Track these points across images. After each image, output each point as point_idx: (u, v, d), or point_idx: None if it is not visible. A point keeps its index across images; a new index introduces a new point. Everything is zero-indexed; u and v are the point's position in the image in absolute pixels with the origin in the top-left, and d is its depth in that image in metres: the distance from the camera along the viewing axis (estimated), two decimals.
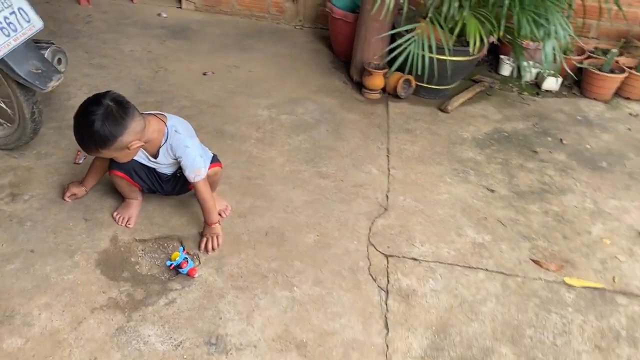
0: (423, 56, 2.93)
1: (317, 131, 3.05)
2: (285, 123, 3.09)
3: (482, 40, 2.88)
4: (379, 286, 2.14)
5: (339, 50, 3.85)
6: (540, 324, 2.06)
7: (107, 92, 1.94)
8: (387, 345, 1.91)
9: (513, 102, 3.63)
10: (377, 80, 3.38)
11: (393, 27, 3.40)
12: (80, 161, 2.58)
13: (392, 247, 2.33)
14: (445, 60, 3.16)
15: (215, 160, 2.28)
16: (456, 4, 2.77)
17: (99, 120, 1.85)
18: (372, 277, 2.18)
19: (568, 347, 1.98)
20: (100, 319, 1.88)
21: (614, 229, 2.59)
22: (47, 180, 2.47)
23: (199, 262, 2.15)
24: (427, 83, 3.40)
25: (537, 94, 3.75)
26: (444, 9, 2.75)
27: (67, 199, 2.32)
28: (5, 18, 2.06)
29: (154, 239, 2.24)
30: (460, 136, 3.17)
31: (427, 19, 2.92)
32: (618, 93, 3.79)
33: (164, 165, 2.18)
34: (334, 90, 3.49)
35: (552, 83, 3.76)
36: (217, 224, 2.21)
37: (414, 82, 3.43)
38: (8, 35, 2.07)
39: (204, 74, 3.49)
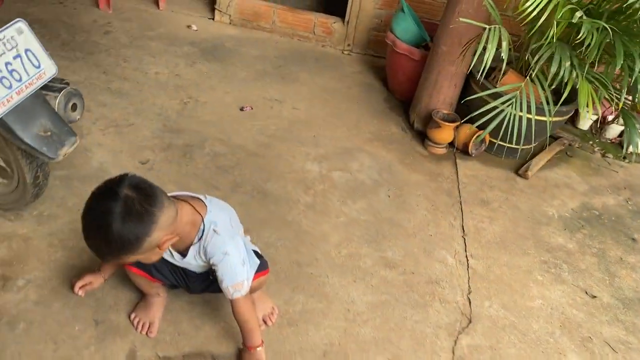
0: (520, 118, 2.39)
1: (377, 197, 2.53)
2: (338, 183, 2.57)
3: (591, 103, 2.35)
4: None
5: (395, 87, 3.32)
6: None
7: (123, 177, 1.40)
8: None
9: (598, 167, 3.11)
10: (445, 134, 2.85)
11: (469, 74, 2.87)
12: None
13: None
14: (536, 120, 2.64)
15: (262, 267, 1.75)
16: (567, 63, 2.23)
17: (117, 220, 1.32)
18: None
19: None
20: None
21: None
22: (49, 257, 1.95)
23: None
24: (503, 141, 2.87)
25: (624, 157, 3.22)
26: (553, 69, 2.21)
27: (79, 292, 1.75)
28: (7, 64, 1.52)
29: (182, 357, 1.73)
30: (544, 213, 2.65)
31: (527, 78, 2.38)
32: None
33: (193, 265, 1.66)
34: (391, 140, 2.97)
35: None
36: (259, 348, 1.68)
37: (487, 139, 2.90)
38: (9, 87, 1.53)
39: (242, 109, 2.96)
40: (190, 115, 2.83)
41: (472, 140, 2.84)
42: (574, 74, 2.26)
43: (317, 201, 2.44)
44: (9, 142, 1.67)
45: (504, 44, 2.27)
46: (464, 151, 2.92)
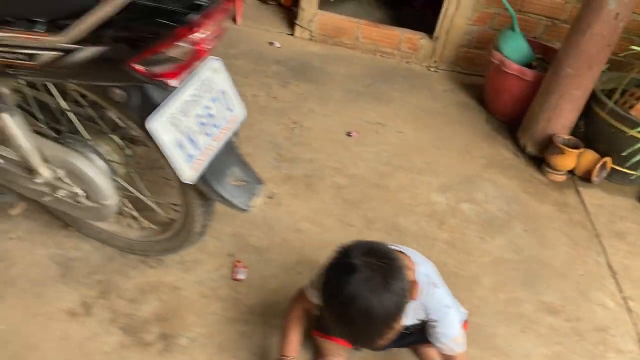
0: None
1: (513, 231, 2.38)
2: (470, 216, 2.41)
3: None
4: None
5: (498, 108, 3.17)
6: None
7: (348, 249, 1.28)
8: None
9: None
10: (568, 161, 2.70)
11: (593, 95, 2.72)
12: (243, 277, 1.90)
13: None
14: None
15: (463, 318, 1.61)
16: None
17: (373, 296, 1.18)
18: None
19: None
20: None
21: None
22: (204, 309, 1.78)
23: None
24: (629, 168, 2.72)
25: None
26: None
27: None
28: (206, 107, 1.36)
29: None
30: None
31: None
32: None
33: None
34: (506, 165, 2.81)
35: None
36: None
37: (609, 166, 2.76)
38: (209, 135, 1.36)
39: (348, 134, 2.79)
40: (299, 142, 2.66)
41: (595, 167, 2.69)
42: None
43: (455, 238, 2.28)
44: (184, 189, 1.50)
45: None
46: (584, 178, 2.77)
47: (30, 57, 1.12)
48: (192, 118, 1.31)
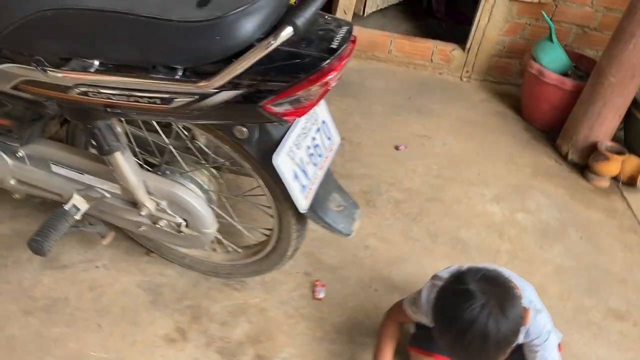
0: None
1: (569, 239, 2.44)
2: (526, 226, 2.47)
3: None
4: None
5: (536, 117, 3.23)
6: None
7: (462, 274, 1.33)
8: None
9: None
10: (613, 167, 2.77)
11: (634, 101, 2.79)
12: (322, 295, 1.95)
13: None
14: None
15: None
16: None
17: (491, 322, 1.23)
18: None
19: None
20: None
21: None
22: (292, 330, 1.84)
23: None
24: None
25: None
26: None
27: None
28: (313, 139, 1.42)
29: None
30: None
31: None
32: None
33: None
34: (550, 173, 2.88)
35: None
36: None
37: None
38: (316, 164, 1.42)
39: (397, 148, 2.85)
40: (352, 158, 2.72)
41: None
42: None
43: (516, 249, 2.35)
44: (282, 215, 1.56)
45: None
46: (628, 183, 2.84)
47: (166, 100, 1.17)
48: (303, 150, 1.37)
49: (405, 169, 2.71)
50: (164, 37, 1.09)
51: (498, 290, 1.28)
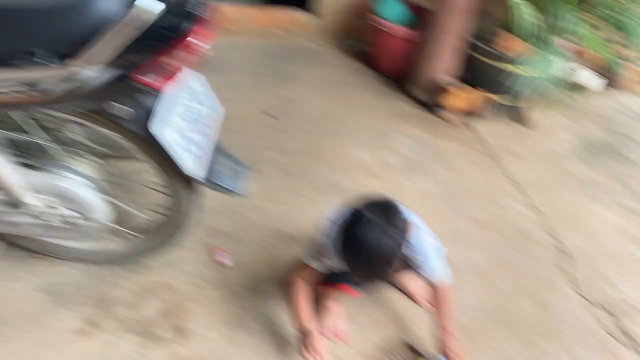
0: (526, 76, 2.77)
1: (432, 169, 2.76)
2: (394, 164, 2.75)
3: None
4: (628, 349, 1.98)
5: (388, 67, 3.53)
6: None
7: (359, 203, 1.51)
8: None
9: (572, 106, 3.61)
10: (456, 100, 3.15)
11: (469, 42, 3.17)
12: (228, 262, 2.05)
13: (603, 297, 2.18)
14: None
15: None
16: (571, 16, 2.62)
17: (381, 234, 1.42)
18: (614, 338, 2.01)
19: None
20: None
21: None
22: (203, 297, 1.92)
23: None
24: (500, 98, 3.23)
25: (582, 93, 3.77)
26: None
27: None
28: (196, 111, 1.49)
29: (375, 347, 1.85)
30: (558, 153, 3.08)
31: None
32: None
33: None
34: (407, 115, 3.20)
35: (593, 81, 3.81)
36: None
37: (493, 99, 3.25)
38: (203, 134, 1.50)
39: (269, 114, 2.98)
40: (228, 130, 2.75)
41: (482, 103, 3.16)
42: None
43: (389, 184, 2.61)
44: (175, 187, 1.63)
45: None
46: (473, 113, 3.24)
47: (43, 91, 1.18)
48: (187, 121, 1.44)
49: (279, 132, 2.85)
50: (25, 23, 1.10)
51: (384, 209, 1.48)
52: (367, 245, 1.42)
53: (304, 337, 1.66)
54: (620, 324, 2.07)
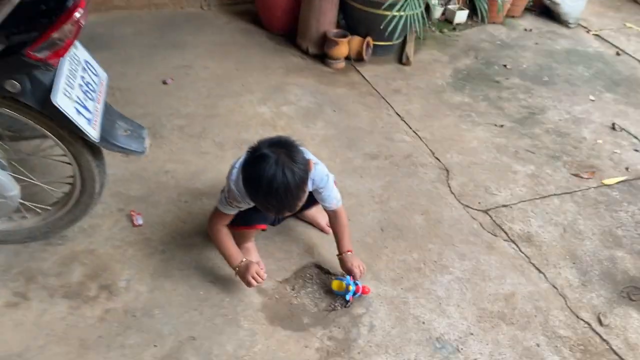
0: (401, 17, 3.04)
1: (326, 114, 3.00)
2: (291, 115, 2.96)
3: None
4: (505, 240, 2.35)
5: (274, 25, 3.68)
6: (619, 222, 2.51)
7: (255, 147, 1.66)
8: (554, 286, 2.17)
9: (445, 41, 3.96)
10: (342, 49, 3.38)
11: None
12: (141, 222, 2.19)
13: (481, 201, 2.54)
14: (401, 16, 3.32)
15: None
16: None
17: (286, 170, 1.58)
18: (492, 234, 2.37)
19: None
20: None
21: (595, 129, 3.16)
22: (124, 257, 2.06)
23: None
24: (383, 42, 3.51)
25: (454, 29, 4.13)
26: None
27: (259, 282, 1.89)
28: (82, 77, 1.60)
29: (294, 275, 2.09)
30: (436, 84, 3.41)
31: None
32: (506, 14, 4.35)
33: None
34: (299, 69, 3.39)
35: (461, 17, 4.17)
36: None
37: (372, 43, 3.50)
38: (93, 99, 1.61)
39: (164, 82, 3.07)
40: (127, 103, 2.86)
41: (363, 48, 3.41)
42: None
43: (289, 133, 2.80)
44: (78, 155, 1.73)
45: None
46: (358, 59, 3.49)
47: None
48: (77, 88, 1.55)
49: (178, 98, 2.96)
50: None
51: (285, 148, 1.64)
52: (273, 180, 1.56)
53: (244, 269, 1.86)
54: (496, 222, 2.43)
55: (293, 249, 2.18)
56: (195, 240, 2.15)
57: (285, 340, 1.84)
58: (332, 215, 2.03)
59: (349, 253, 2.05)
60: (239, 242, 2.05)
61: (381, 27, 3.29)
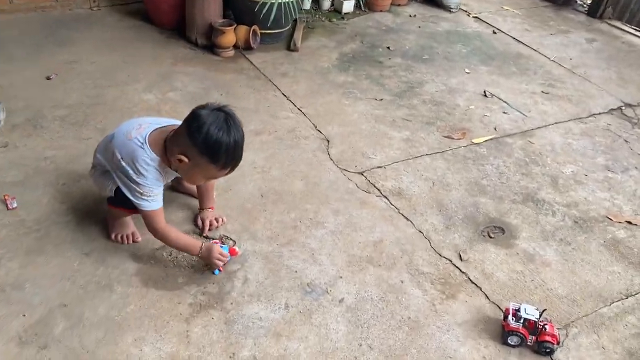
0: (285, 5, 3.19)
1: (212, 98, 3.08)
2: (178, 100, 3.03)
3: None
4: (377, 195, 2.51)
5: (163, 20, 3.74)
6: (484, 174, 2.74)
7: (204, 110, 1.81)
8: (419, 230, 2.34)
9: (333, 29, 4.14)
10: (229, 37, 3.49)
11: None
12: (16, 205, 2.19)
13: (358, 165, 2.70)
14: (291, 5, 3.46)
15: None
16: None
17: (233, 124, 1.80)
18: (366, 192, 2.53)
19: (509, 180, 2.71)
20: (201, 324, 1.84)
21: (468, 97, 3.42)
22: None
23: (234, 242, 2.18)
24: (269, 29, 3.65)
25: (343, 17, 4.33)
26: None
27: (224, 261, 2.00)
28: None
29: None
30: (322, 67, 3.57)
31: None
32: (392, 3, 4.61)
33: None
34: (189, 59, 3.47)
35: (349, 6, 4.38)
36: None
37: (258, 31, 3.63)
38: None
39: (48, 78, 3.06)
40: (7, 98, 2.84)
41: (250, 37, 3.53)
42: None
43: (174, 116, 2.85)
44: None
45: None
46: (247, 48, 3.61)
47: None
48: None
49: (62, 91, 2.97)
50: None
51: (220, 110, 1.80)
52: (238, 137, 1.80)
53: (206, 253, 1.95)
54: (370, 181, 2.59)
55: (172, 219, 2.25)
56: (71, 218, 2.18)
57: (158, 299, 1.90)
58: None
59: (212, 210, 2.22)
60: (116, 217, 2.10)
61: (265, 16, 3.42)
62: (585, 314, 2.04)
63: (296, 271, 2.08)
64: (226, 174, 1.90)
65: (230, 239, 2.19)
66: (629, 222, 2.54)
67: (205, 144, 1.76)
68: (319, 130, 2.92)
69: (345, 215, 2.37)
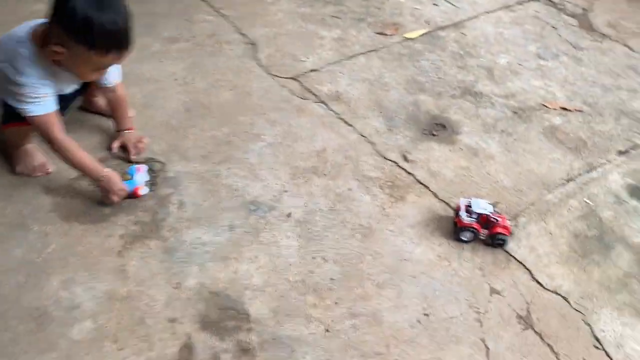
0: None
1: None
2: None
3: None
4: (314, 102, 2.34)
5: None
6: (421, 70, 2.62)
7: None
8: (362, 135, 2.22)
9: None
10: None
11: None
12: None
13: (290, 70, 2.49)
14: None
15: None
16: None
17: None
18: (302, 98, 2.35)
19: (446, 75, 2.61)
20: (138, 256, 1.66)
21: None
22: None
23: (161, 166, 1.96)
24: None
25: None
26: None
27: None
28: None
29: None
30: None
31: None
32: None
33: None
34: None
35: None
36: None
37: None
38: None
39: None
40: None
41: None
42: None
43: None
44: None
45: None
46: None
47: None
48: None
49: None
50: None
51: None
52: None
53: (107, 182, 1.71)
54: (305, 86, 2.40)
55: (87, 144, 1.97)
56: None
57: (83, 235, 1.69)
58: (113, 92, 1.87)
59: (131, 130, 1.97)
60: (16, 143, 1.81)
61: None
62: (531, 203, 2.04)
63: (237, 189, 1.91)
64: (116, 62, 1.63)
65: (159, 161, 1.96)
66: (564, 108, 2.53)
67: (74, 25, 1.46)
68: (242, 34, 2.65)
69: (283, 126, 2.19)
